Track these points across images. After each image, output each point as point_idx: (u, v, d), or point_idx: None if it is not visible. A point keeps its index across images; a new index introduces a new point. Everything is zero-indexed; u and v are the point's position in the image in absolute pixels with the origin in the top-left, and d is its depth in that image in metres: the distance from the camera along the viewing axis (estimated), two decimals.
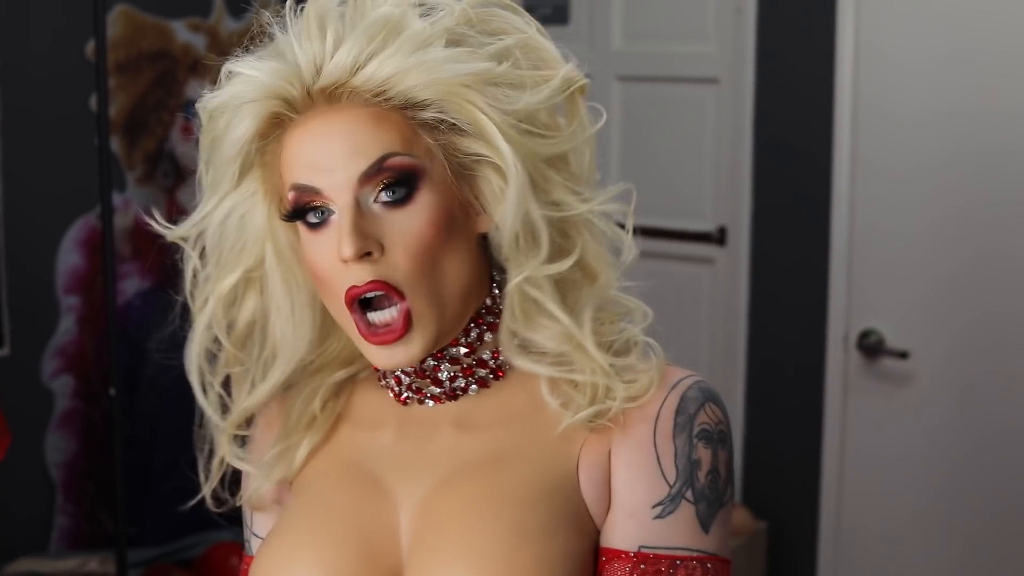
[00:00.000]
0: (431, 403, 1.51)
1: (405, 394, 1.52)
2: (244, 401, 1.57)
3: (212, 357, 1.56)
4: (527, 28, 1.48)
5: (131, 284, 4.22)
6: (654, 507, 1.42)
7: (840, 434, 3.90)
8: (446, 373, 1.49)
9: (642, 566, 1.42)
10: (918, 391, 3.77)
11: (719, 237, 4.11)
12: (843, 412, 3.89)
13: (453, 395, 1.50)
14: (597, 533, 1.44)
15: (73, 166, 4.04)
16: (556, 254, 1.45)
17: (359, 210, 1.40)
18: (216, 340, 1.55)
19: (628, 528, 1.43)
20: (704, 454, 1.44)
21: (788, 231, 3.98)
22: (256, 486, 1.58)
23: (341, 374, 1.58)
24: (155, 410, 4.28)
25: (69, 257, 4.11)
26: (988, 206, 3.58)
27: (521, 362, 1.47)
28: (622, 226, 1.53)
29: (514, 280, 1.44)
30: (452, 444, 1.49)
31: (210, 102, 1.47)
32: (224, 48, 4.32)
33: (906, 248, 3.74)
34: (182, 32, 4.28)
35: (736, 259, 4.07)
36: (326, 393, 1.57)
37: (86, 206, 4.09)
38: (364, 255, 1.39)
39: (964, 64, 3.59)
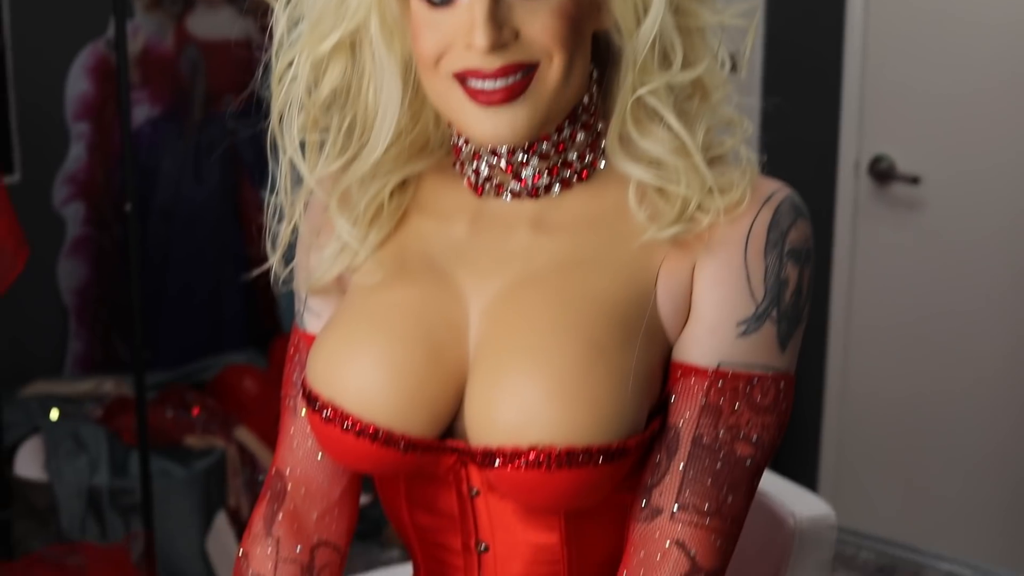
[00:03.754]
0: (509, 198, 1.47)
1: (484, 184, 1.47)
2: (321, 168, 1.50)
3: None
4: None
5: (140, 112, 4.21)
6: (738, 325, 1.41)
7: (850, 260, 3.91)
8: (531, 170, 1.45)
9: (720, 383, 1.41)
10: (929, 217, 3.77)
11: (731, 64, 4.07)
12: (853, 238, 3.90)
13: (534, 193, 1.46)
14: (669, 347, 1.43)
15: None
16: (680, 67, 1.41)
17: None
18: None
19: (708, 344, 1.41)
20: (792, 273, 1.42)
21: (800, 58, 3.95)
22: (318, 276, 1.54)
23: (413, 166, 1.52)
24: (166, 237, 4.30)
25: (78, 84, 4.09)
26: (1004, 30, 3.55)
27: (624, 165, 1.43)
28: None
29: (640, 90, 1.39)
30: (528, 244, 1.45)
31: None
32: None
33: (919, 73, 3.71)
34: None
35: (748, 83, 4.04)
36: (394, 185, 1.51)
37: (94, 33, 4.07)
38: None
39: None
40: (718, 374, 1.41)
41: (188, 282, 4.33)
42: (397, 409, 1.40)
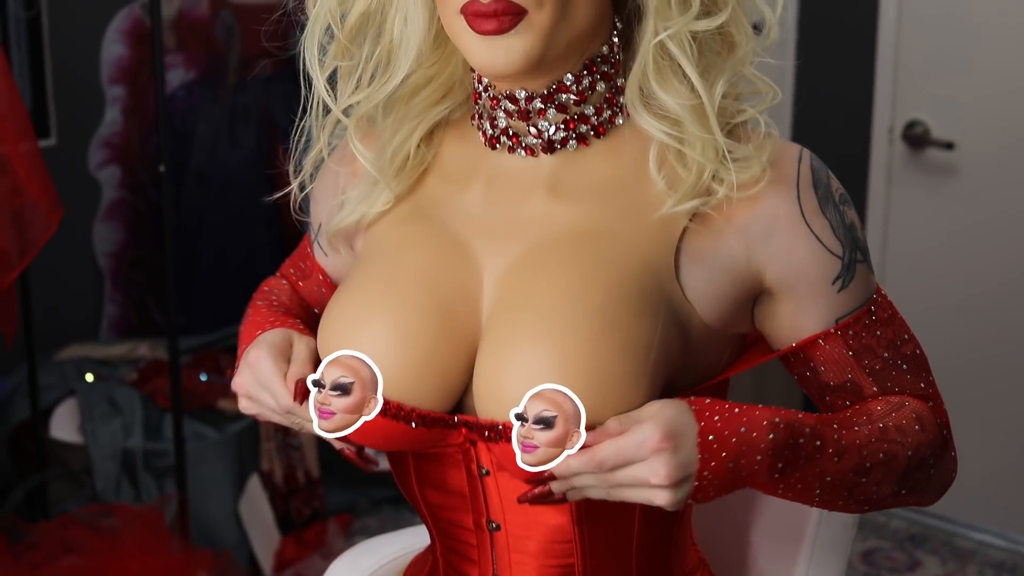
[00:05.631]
0: (523, 153, 1.45)
1: (499, 137, 1.46)
2: (350, 98, 1.50)
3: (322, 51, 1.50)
4: None
5: (175, 75, 4.22)
6: (833, 283, 1.44)
7: (883, 226, 3.90)
8: (547, 123, 1.43)
9: (850, 332, 1.46)
10: (963, 183, 3.75)
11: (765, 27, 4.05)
12: (887, 204, 3.89)
13: (550, 147, 1.44)
14: (701, 323, 1.42)
15: None
16: (702, 13, 1.40)
17: None
18: (327, 32, 1.49)
19: (816, 311, 1.45)
20: (851, 214, 1.46)
21: (835, 20, 3.93)
22: (337, 219, 1.54)
23: (438, 110, 1.52)
24: (200, 202, 4.31)
25: (113, 47, 4.10)
26: None
27: (642, 119, 1.42)
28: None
29: (660, 34, 1.38)
30: (544, 212, 1.44)
31: None
32: None
33: (954, 37, 3.69)
34: None
35: (782, 48, 4.02)
36: (422, 133, 1.51)
37: None
38: None
39: None
40: (841, 327, 1.46)
41: (222, 246, 4.35)
42: (407, 380, 1.40)
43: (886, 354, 1.48)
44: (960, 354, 3.84)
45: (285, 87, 4.26)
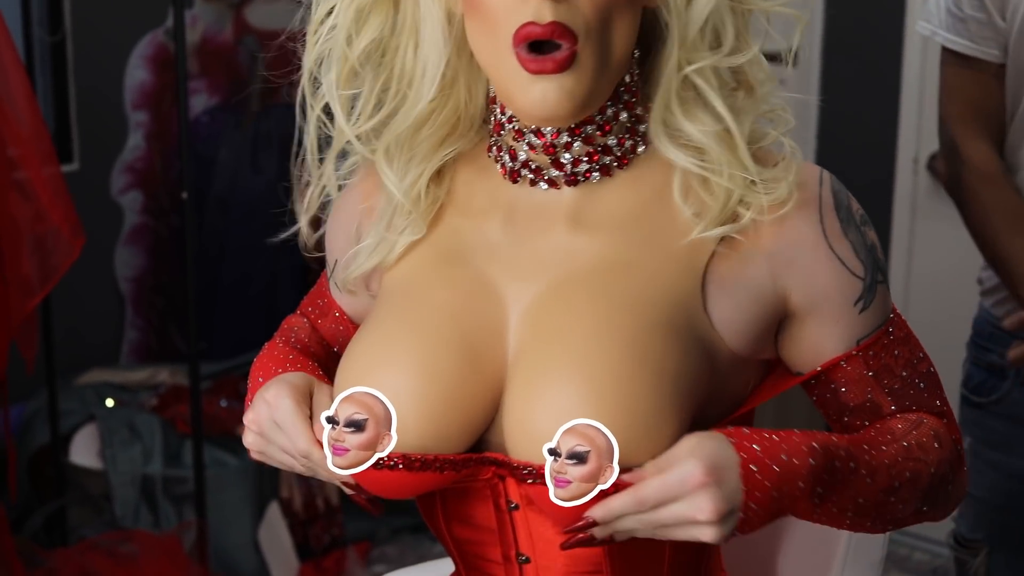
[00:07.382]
0: (544, 186, 1.43)
1: (520, 170, 1.43)
2: (353, 128, 1.46)
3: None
4: None
5: (199, 101, 4.22)
6: (855, 304, 1.43)
7: (907, 257, 3.88)
8: (571, 156, 1.41)
9: (870, 352, 1.45)
10: None
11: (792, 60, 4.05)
12: (911, 234, 3.87)
13: (572, 180, 1.42)
14: (728, 351, 1.41)
15: None
16: (730, 51, 1.39)
17: None
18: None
19: (838, 332, 1.44)
20: (871, 235, 1.45)
21: (860, 50, 3.93)
22: (353, 268, 1.50)
23: (446, 150, 1.48)
24: (222, 228, 4.31)
25: (137, 73, 4.11)
26: None
27: (667, 149, 1.40)
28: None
29: (686, 68, 1.37)
30: (566, 244, 1.41)
31: None
32: None
33: None
34: None
35: (807, 79, 4.02)
36: (431, 173, 1.47)
37: (153, 22, 4.08)
38: None
39: None
40: (862, 348, 1.45)
41: (244, 272, 4.35)
42: (430, 418, 1.37)
43: (904, 373, 1.48)
44: None
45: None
